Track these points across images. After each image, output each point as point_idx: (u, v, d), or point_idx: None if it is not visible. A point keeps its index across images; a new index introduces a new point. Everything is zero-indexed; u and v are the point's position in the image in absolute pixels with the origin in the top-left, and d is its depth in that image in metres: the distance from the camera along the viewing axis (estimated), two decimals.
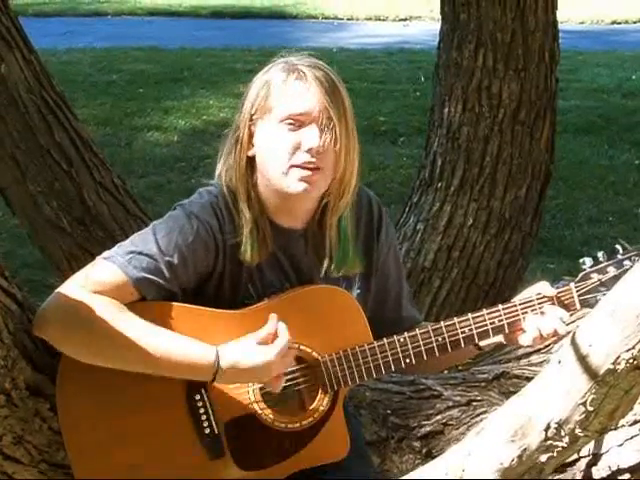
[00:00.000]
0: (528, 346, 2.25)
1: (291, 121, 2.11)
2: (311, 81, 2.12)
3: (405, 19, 14.96)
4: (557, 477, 2.41)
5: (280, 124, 2.12)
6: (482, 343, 2.27)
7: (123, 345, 2.04)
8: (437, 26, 4.16)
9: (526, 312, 2.20)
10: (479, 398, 2.64)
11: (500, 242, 4.05)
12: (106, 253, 2.12)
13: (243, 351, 2.08)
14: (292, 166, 2.12)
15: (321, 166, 2.13)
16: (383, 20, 14.95)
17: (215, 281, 2.18)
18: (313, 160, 2.11)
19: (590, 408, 1.86)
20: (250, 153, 2.18)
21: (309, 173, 2.12)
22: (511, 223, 4.05)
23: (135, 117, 8.54)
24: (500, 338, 2.26)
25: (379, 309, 2.35)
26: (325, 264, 2.23)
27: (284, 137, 2.11)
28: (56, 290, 2.08)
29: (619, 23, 14.79)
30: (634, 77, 10.24)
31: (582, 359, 1.83)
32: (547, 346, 2.76)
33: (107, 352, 2.06)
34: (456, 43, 3.97)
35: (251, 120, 2.16)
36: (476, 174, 4.01)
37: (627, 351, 1.78)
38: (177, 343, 2.07)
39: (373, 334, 2.23)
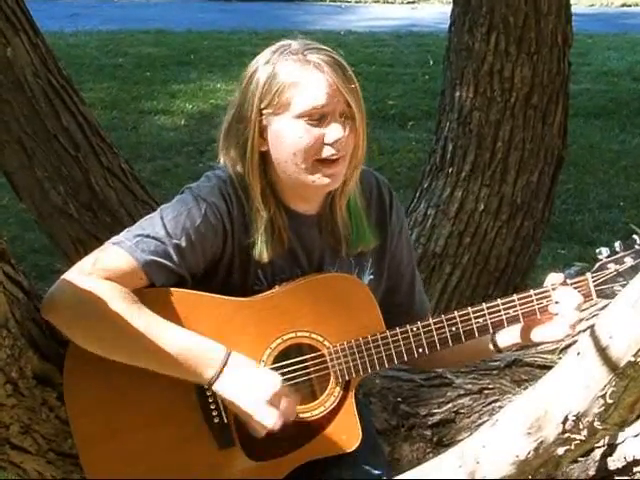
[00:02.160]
0: (556, 339, 2.22)
1: (312, 116, 2.08)
2: (327, 71, 2.08)
3: (413, 1, 14.90)
4: (571, 467, 2.39)
5: (299, 119, 2.08)
6: (501, 345, 2.26)
7: (129, 335, 2.02)
8: (446, 9, 4.13)
9: (541, 303, 2.17)
10: (491, 386, 2.63)
11: (512, 228, 4.03)
12: (114, 238, 2.11)
13: (250, 368, 2.07)
14: (316, 161, 2.09)
15: (343, 155, 2.11)
16: (391, 3, 14.90)
17: (224, 266, 2.16)
18: (338, 153, 2.09)
19: (610, 401, 1.83)
20: (262, 148, 2.14)
21: (333, 168, 2.10)
22: (523, 209, 4.02)
23: (142, 101, 8.52)
24: (517, 339, 2.24)
25: (392, 294, 2.34)
26: (339, 247, 2.22)
27: (305, 132, 2.08)
28: (64, 274, 2.06)
29: (629, 6, 14.74)
30: None
31: (602, 351, 1.80)
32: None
33: (112, 341, 2.04)
34: (468, 26, 3.93)
35: (261, 114, 2.11)
36: (488, 159, 3.97)
37: None
38: (187, 336, 2.05)
39: (385, 319, 2.21)
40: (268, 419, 2.05)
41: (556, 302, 2.17)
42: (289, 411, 2.08)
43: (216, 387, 2.05)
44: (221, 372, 2.04)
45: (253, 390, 2.05)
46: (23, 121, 3.31)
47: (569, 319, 2.16)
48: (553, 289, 2.18)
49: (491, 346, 2.27)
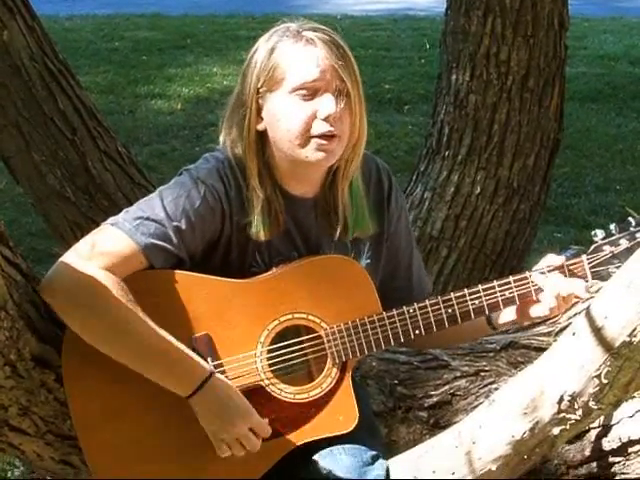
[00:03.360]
0: (544, 317, 2.23)
1: (304, 91, 2.08)
2: (320, 47, 2.08)
3: None
4: (567, 448, 2.40)
5: (292, 95, 2.09)
6: (497, 322, 2.26)
7: (122, 330, 2.03)
8: None
9: (536, 285, 2.18)
10: (487, 368, 2.63)
11: (508, 211, 4.02)
12: (112, 219, 2.11)
13: (225, 398, 2.09)
14: (310, 137, 2.09)
15: (338, 133, 2.11)
16: None
17: (222, 248, 2.16)
18: (332, 129, 2.09)
19: (604, 381, 1.84)
20: (260, 127, 2.14)
21: (327, 142, 2.09)
22: (519, 192, 4.02)
23: (138, 85, 8.49)
24: (513, 316, 2.25)
25: (390, 278, 2.34)
26: (338, 229, 2.22)
27: (299, 108, 2.09)
28: (63, 256, 2.07)
29: None
30: None
31: (597, 331, 1.82)
32: (555, 316, 2.74)
33: (102, 335, 2.05)
34: (464, 9, 3.91)
35: (258, 93, 2.12)
36: (484, 142, 3.97)
37: None
38: (174, 349, 2.06)
39: (383, 303, 2.21)
40: (220, 451, 2.11)
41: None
42: (250, 445, 2.12)
43: (191, 402, 2.07)
44: (199, 390, 2.06)
45: (219, 420, 2.09)
46: (20, 105, 3.30)
47: (549, 303, 2.16)
48: (548, 271, 2.19)
49: (487, 324, 2.28)
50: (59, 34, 8.97)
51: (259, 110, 2.13)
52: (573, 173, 6.55)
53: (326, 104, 2.08)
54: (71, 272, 2.03)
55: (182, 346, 2.06)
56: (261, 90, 2.12)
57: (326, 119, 2.08)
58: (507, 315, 2.25)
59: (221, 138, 2.21)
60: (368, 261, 2.29)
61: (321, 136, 2.09)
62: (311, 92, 2.09)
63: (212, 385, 2.07)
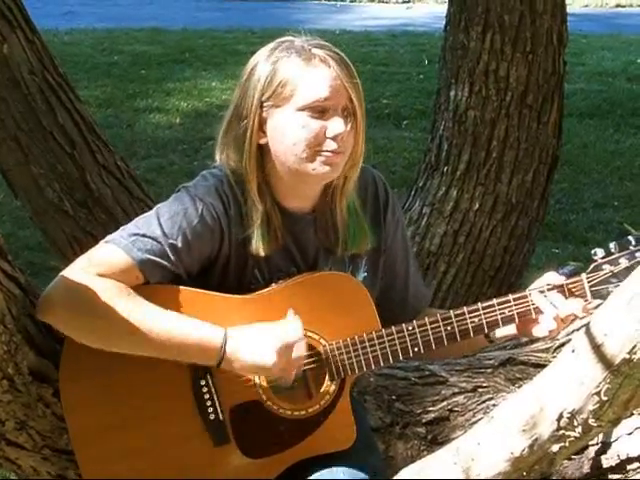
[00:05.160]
0: (544, 337, 2.23)
1: (314, 109, 2.08)
2: (333, 66, 2.09)
3: (408, 1, 14.88)
4: (565, 465, 2.40)
5: (301, 111, 2.08)
6: (497, 335, 2.26)
7: (128, 328, 2.02)
8: (440, 8, 4.15)
9: (535, 305, 2.18)
10: (485, 384, 2.62)
11: (506, 227, 4.03)
12: (109, 237, 2.11)
13: (253, 337, 2.06)
14: (317, 152, 2.09)
15: (344, 150, 2.12)
16: (386, 2, 14.87)
17: (221, 265, 2.16)
18: (339, 148, 2.10)
19: (604, 398, 1.84)
20: (262, 141, 2.14)
21: (333, 156, 2.10)
22: (518, 208, 4.03)
23: (137, 99, 8.51)
24: (514, 330, 2.24)
25: (387, 291, 2.34)
26: (334, 246, 2.22)
27: (307, 124, 2.08)
28: (60, 274, 2.06)
29: (623, 6, 14.72)
30: (639, 61, 10.19)
31: (597, 348, 1.81)
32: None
33: (112, 335, 2.04)
34: (463, 25, 3.93)
35: (262, 107, 2.12)
36: (483, 158, 3.98)
37: None
38: (184, 324, 2.05)
39: (381, 315, 2.21)
40: (288, 377, 2.09)
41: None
42: (299, 360, 2.09)
43: (224, 367, 2.06)
44: (224, 356, 2.05)
45: (261, 363, 2.06)
46: (19, 118, 3.30)
47: (548, 325, 2.17)
48: (548, 290, 2.19)
49: (484, 337, 2.27)
50: (58, 48, 8.97)
51: (261, 124, 2.13)
52: (571, 189, 6.56)
53: (336, 123, 2.08)
54: (67, 284, 2.03)
55: (191, 320, 2.06)
56: (265, 104, 2.11)
57: (334, 138, 2.09)
58: (506, 329, 2.25)
59: (217, 152, 2.20)
60: (365, 274, 2.29)
61: (328, 151, 2.10)
62: (320, 110, 2.08)
63: (232, 345, 2.05)
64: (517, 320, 2.20)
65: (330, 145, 2.09)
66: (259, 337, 2.07)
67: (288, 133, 2.10)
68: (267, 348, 2.05)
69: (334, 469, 2.15)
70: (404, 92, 8.77)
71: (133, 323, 2.02)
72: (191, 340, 2.05)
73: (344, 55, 2.13)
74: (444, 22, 4.11)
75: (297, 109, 2.08)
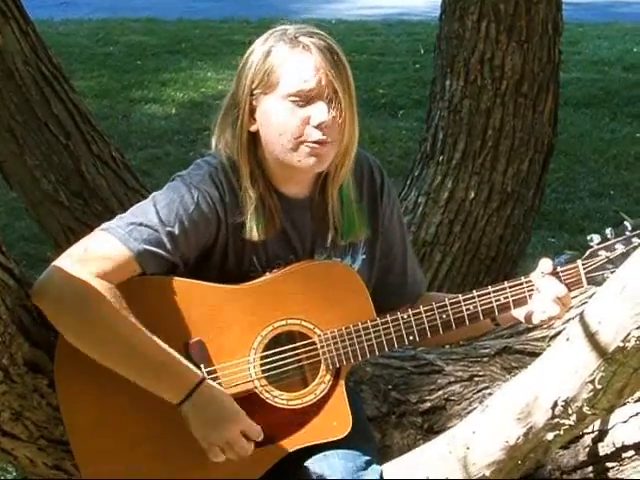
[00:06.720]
0: (545, 323, 2.24)
1: (298, 97, 2.09)
2: (316, 54, 2.09)
3: None
4: (560, 453, 2.40)
5: (286, 100, 2.09)
6: (500, 319, 2.26)
7: (112, 337, 2.03)
8: None
9: (532, 290, 2.18)
10: (481, 373, 2.62)
11: (502, 216, 4.03)
12: (105, 225, 2.10)
13: (222, 400, 2.08)
14: (301, 142, 2.10)
15: (329, 140, 2.11)
16: None
17: (219, 254, 2.16)
18: (324, 137, 2.09)
19: (598, 386, 1.84)
20: (252, 128, 2.15)
21: (318, 147, 2.10)
22: (513, 197, 4.02)
23: (133, 89, 8.49)
24: (520, 316, 2.24)
25: (385, 274, 2.35)
26: (330, 234, 2.22)
27: (292, 113, 2.09)
28: (55, 261, 2.06)
29: None
30: (635, 50, 10.17)
31: (591, 336, 1.81)
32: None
33: (94, 342, 2.05)
34: (458, 14, 3.92)
35: (252, 95, 2.13)
36: (478, 147, 3.97)
37: (637, 328, 1.77)
38: (167, 356, 2.05)
39: (379, 301, 2.22)
40: (212, 455, 2.09)
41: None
42: (243, 449, 2.10)
43: (182, 408, 2.06)
44: (189, 397, 2.05)
45: (210, 424, 2.07)
46: (13, 109, 3.29)
47: (544, 308, 2.17)
48: (542, 276, 2.19)
49: (489, 320, 2.29)
50: (53, 38, 8.96)
51: (252, 111, 2.14)
52: (567, 178, 6.56)
53: (318, 112, 2.09)
54: (63, 278, 2.02)
55: (173, 353, 2.05)
56: (255, 92, 2.12)
57: (318, 127, 2.09)
58: (516, 312, 2.25)
59: (213, 139, 2.21)
60: (364, 257, 2.30)
61: (313, 142, 2.10)
62: (305, 99, 2.09)
63: (202, 392, 2.06)
64: (513, 307, 2.21)
65: (314, 135, 2.09)
66: (229, 408, 2.09)
67: (274, 121, 2.11)
68: (230, 423, 2.08)
69: (329, 453, 2.16)
70: (400, 82, 8.75)
71: (118, 337, 2.02)
72: (168, 371, 2.05)
73: (333, 43, 2.13)
74: (439, 11, 4.10)
75: (282, 96, 2.09)
